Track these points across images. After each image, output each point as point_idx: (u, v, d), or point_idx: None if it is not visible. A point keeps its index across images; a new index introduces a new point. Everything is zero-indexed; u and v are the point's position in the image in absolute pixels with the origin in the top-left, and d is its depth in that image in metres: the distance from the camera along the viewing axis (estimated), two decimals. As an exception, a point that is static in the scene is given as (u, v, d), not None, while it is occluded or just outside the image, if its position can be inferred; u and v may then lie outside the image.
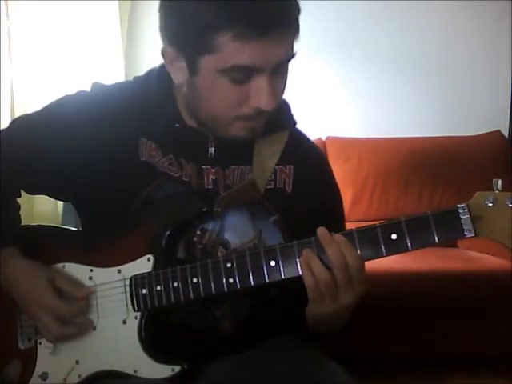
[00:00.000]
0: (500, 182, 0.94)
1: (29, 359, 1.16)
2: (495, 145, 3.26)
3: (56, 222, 2.66)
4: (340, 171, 3.02)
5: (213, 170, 1.13)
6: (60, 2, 2.80)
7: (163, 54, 1.07)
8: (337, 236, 0.99)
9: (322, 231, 1.00)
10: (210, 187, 1.13)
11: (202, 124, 1.10)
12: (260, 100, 1.02)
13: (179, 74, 1.06)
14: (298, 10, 1.03)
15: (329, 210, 1.20)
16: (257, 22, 0.96)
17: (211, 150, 1.13)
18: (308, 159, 1.20)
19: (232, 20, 0.96)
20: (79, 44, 2.88)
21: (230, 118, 1.06)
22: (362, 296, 1.01)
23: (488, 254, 2.69)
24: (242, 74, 1.00)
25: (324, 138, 3.30)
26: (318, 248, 1.00)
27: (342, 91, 3.50)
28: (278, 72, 1.04)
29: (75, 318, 1.11)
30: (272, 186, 1.15)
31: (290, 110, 1.20)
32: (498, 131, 3.33)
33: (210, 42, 0.98)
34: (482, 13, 3.42)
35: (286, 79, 1.08)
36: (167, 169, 1.13)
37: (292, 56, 1.05)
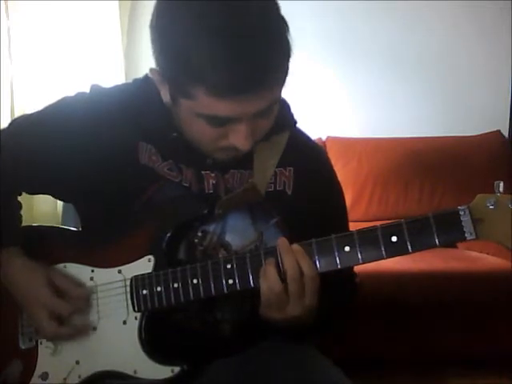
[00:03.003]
0: (502, 184, 0.93)
1: (29, 359, 1.16)
2: (495, 145, 3.26)
3: (56, 222, 2.66)
4: (340, 171, 2.97)
5: (212, 175, 1.13)
6: (60, 2, 2.80)
7: (151, 73, 1.05)
8: (294, 246, 1.00)
9: (281, 241, 1.01)
10: (211, 192, 1.13)
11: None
12: (237, 142, 1.01)
13: (166, 96, 1.05)
14: (287, 57, 0.97)
15: (331, 210, 1.20)
16: (234, 83, 0.92)
17: None
18: (308, 160, 1.19)
19: (208, 76, 0.92)
20: (79, 44, 2.89)
21: (209, 149, 1.06)
22: (312, 308, 1.02)
23: (488, 254, 2.69)
24: (218, 121, 0.98)
25: (324, 138, 3.30)
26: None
27: (342, 91, 3.50)
28: (260, 117, 1.01)
29: (71, 316, 1.12)
30: (272, 189, 1.15)
31: (289, 110, 1.18)
32: (498, 131, 3.33)
33: (187, 88, 0.95)
34: (482, 13, 3.42)
35: (271, 118, 1.05)
36: (167, 174, 1.13)
37: (276, 101, 1.02)
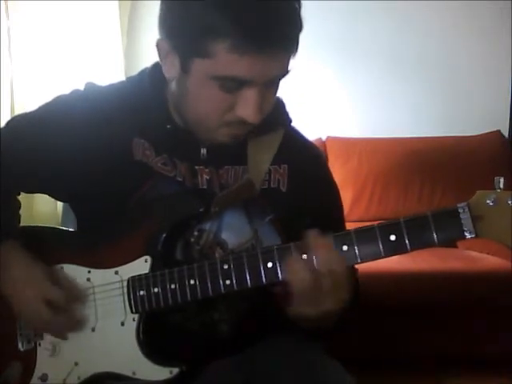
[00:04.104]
0: (502, 180, 0.91)
1: (29, 361, 1.17)
2: (495, 145, 3.26)
3: (56, 222, 2.66)
4: (340, 171, 3.02)
5: (206, 170, 1.13)
6: (60, 2, 2.80)
7: (158, 46, 1.05)
8: (326, 240, 0.98)
9: (313, 234, 0.99)
10: (205, 187, 1.13)
11: (189, 126, 1.10)
12: (246, 112, 1.01)
13: (171, 69, 1.05)
14: (300, 29, 1.00)
15: (327, 208, 1.20)
16: (257, 37, 0.94)
17: (203, 150, 1.12)
18: (303, 158, 1.19)
19: (232, 31, 0.93)
20: (79, 44, 2.88)
21: (214, 123, 1.05)
22: (345, 302, 1.00)
23: (488, 254, 2.69)
24: (232, 84, 0.99)
25: (324, 138, 3.30)
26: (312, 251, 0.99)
27: (342, 91, 3.50)
28: (269, 86, 1.03)
29: (65, 304, 1.11)
30: (266, 186, 1.15)
31: (284, 109, 1.19)
32: (498, 131, 3.33)
33: (206, 46, 0.96)
34: (482, 13, 3.42)
35: (275, 93, 1.07)
36: (161, 168, 1.13)
37: (287, 73, 1.03)
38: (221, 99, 1.01)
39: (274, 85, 1.05)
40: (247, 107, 1.01)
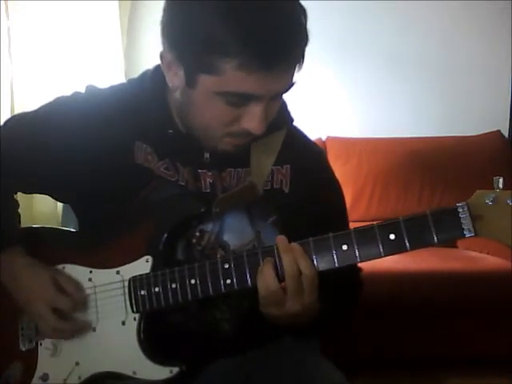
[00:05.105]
0: (501, 180, 0.91)
1: (30, 360, 1.17)
2: (495, 145, 3.26)
3: (56, 222, 2.66)
4: (340, 171, 2.99)
5: (209, 174, 1.13)
6: (60, 2, 2.80)
7: (161, 57, 1.05)
8: (293, 244, 1.00)
9: (280, 239, 1.01)
10: (208, 190, 1.13)
11: (192, 132, 1.10)
12: (251, 124, 1.02)
13: (175, 80, 1.05)
14: (306, 43, 1.01)
15: (329, 208, 1.20)
16: (265, 56, 0.94)
17: (207, 154, 1.12)
18: (305, 157, 1.19)
19: (241, 49, 0.93)
20: (79, 44, 2.88)
21: (218, 134, 1.06)
22: (312, 305, 1.02)
23: (488, 254, 2.69)
24: (239, 100, 0.99)
25: (324, 138, 3.30)
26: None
27: (342, 91, 3.50)
28: (275, 99, 1.04)
29: (72, 311, 1.12)
30: (269, 187, 1.15)
31: (286, 108, 1.18)
32: (498, 131, 3.33)
33: (213, 63, 0.96)
34: (482, 13, 3.42)
35: (279, 103, 1.08)
36: (163, 173, 1.13)
37: (292, 85, 1.04)
38: (227, 113, 1.02)
39: (280, 97, 1.06)
40: (253, 120, 1.01)
